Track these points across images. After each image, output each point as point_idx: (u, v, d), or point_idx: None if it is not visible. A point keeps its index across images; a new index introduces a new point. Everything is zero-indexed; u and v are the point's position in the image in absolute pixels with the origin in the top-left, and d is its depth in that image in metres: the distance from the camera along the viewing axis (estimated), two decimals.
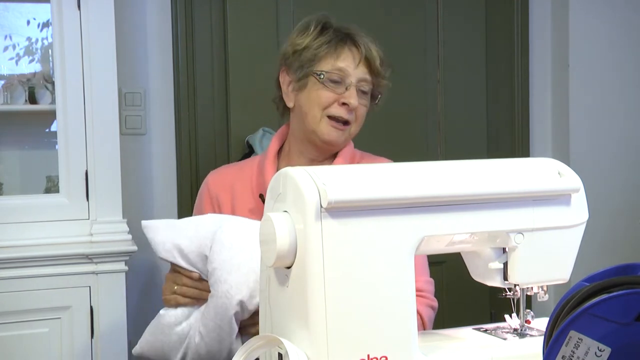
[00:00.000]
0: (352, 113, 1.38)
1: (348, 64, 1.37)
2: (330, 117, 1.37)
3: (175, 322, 1.22)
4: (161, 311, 1.24)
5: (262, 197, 1.40)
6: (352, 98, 1.36)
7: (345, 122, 1.38)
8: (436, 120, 2.59)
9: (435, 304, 1.38)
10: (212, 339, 1.20)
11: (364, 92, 1.39)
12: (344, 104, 1.36)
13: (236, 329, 1.21)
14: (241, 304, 1.18)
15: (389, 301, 0.89)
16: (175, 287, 1.23)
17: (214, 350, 1.21)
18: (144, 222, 1.26)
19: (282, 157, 1.48)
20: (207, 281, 1.22)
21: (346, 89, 1.36)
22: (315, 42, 1.39)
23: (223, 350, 1.21)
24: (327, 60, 1.37)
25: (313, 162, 1.43)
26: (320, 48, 1.38)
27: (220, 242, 1.20)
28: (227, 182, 1.46)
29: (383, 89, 1.44)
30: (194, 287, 1.23)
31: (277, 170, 1.44)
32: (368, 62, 1.38)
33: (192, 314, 1.23)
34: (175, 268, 1.25)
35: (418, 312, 1.32)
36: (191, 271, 1.23)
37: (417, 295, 1.32)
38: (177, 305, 1.23)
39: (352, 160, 1.46)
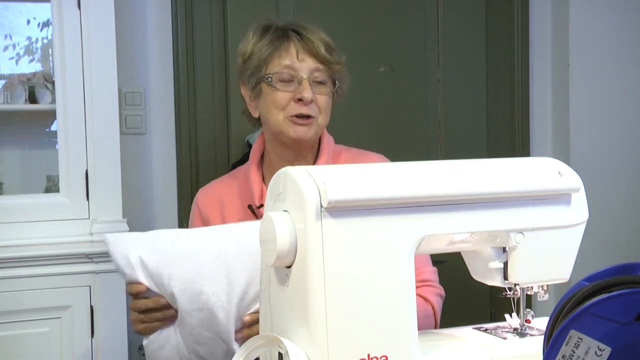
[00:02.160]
0: (313, 106, 1.35)
1: (293, 60, 1.34)
2: (291, 117, 1.35)
3: (159, 347, 1.20)
4: (144, 342, 1.23)
5: (250, 208, 1.39)
6: (306, 92, 1.33)
7: (309, 116, 1.35)
8: (436, 120, 2.59)
9: (443, 291, 1.39)
10: (211, 346, 1.18)
11: (320, 83, 1.36)
12: (299, 100, 1.34)
13: (232, 331, 1.16)
14: (225, 307, 1.14)
15: (389, 301, 0.89)
16: (142, 316, 1.19)
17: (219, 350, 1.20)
18: (106, 236, 1.20)
19: (265, 165, 1.46)
20: (162, 296, 1.18)
21: (299, 84, 1.34)
22: (257, 46, 1.37)
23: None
24: (273, 61, 1.35)
25: (293, 163, 1.39)
26: (261, 51, 1.36)
27: (179, 257, 1.16)
28: (216, 198, 1.45)
29: (338, 74, 1.40)
30: (154, 307, 1.18)
31: (262, 178, 1.43)
32: (314, 52, 1.35)
33: (169, 335, 1.20)
34: (131, 290, 1.20)
35: (429, 302, 1.34)
36: (140, 283, 1.17)
37: (426, 285, 1.35)
38: (150, 331, 1.20)
39: (336, 158, 1.45)
